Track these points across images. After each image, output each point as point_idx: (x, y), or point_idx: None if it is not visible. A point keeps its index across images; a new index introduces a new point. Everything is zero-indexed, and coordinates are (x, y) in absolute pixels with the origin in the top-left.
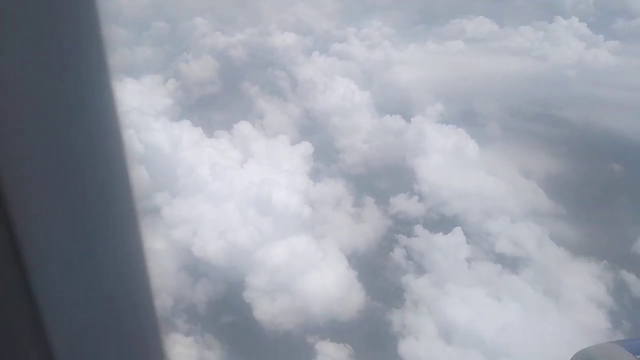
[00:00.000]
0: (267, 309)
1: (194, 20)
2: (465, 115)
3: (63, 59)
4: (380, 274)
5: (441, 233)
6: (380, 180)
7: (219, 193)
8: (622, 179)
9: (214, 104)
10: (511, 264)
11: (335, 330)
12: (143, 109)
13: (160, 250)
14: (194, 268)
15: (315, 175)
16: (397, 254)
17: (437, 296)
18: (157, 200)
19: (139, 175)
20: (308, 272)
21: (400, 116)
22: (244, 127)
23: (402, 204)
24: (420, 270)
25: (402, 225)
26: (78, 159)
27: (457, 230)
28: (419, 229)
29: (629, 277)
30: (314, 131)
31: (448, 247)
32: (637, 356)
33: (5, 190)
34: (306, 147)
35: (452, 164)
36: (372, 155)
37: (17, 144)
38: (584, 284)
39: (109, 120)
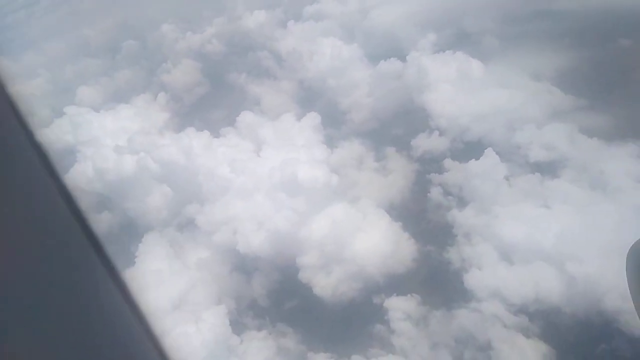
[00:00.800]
0: (325, 284)
1: (161, 29)
2: (458, 37)
3: None
4: (424, 217)
5: (473, 160)
6: (395, 128)
7: (245, 187)
8: (633, 52)
9: (208, 104)
10: (549, 169)
11: (397, 284)
12: (145, 130)
13: (207, 258)
14: (244, 265)
15: (330, 142)
16: (435, 193)
17: (487, 222)
18: (188, 212)
19: (163, 194)
20: (353, 237)
21: (395, 58)
22: (246, 117)
23: (425, 143)
24: (462, 202)
25: (431, 164)
26: None
27: (489, 151)
28: (448, 162)
29: None
30: (314, 100)
31: (484, 171)
32: None
33: None
34: (313, 118)
35: (461, 89)
36: (378, 106)
37: None
38: (627, 166)
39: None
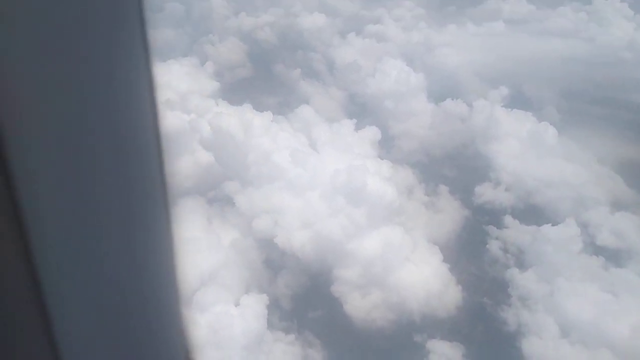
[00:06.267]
0: (359, 304)
1: (210, 1)
2: (523, 99)
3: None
4: (477, 267)
5: (549, 224)
6: (447, 168)
7: (300, 181)
8: None
9: (254, 88)
10: (615, 256)
11: (438, 327)
12: (196, 92)
13: (242, 241)
14: (275, 260)
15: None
16: (493, 246)
17: (550, 292)
18: (227, 189)
19: (203, 162)
20: (401, 265)
21: (461, 100)
22: (304, 111)
23: (489, 193)
24: (523, 264)
25: (488, 215)
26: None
27: (570, 221)
28: (508, 219)
29: None
30: (365, 115)
31: (559, 239)
32: None
33: (16, 182)
34: (374, 133)
35: (530, 150)
36: (432, 141)
37: (31, 127)
38: None
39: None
